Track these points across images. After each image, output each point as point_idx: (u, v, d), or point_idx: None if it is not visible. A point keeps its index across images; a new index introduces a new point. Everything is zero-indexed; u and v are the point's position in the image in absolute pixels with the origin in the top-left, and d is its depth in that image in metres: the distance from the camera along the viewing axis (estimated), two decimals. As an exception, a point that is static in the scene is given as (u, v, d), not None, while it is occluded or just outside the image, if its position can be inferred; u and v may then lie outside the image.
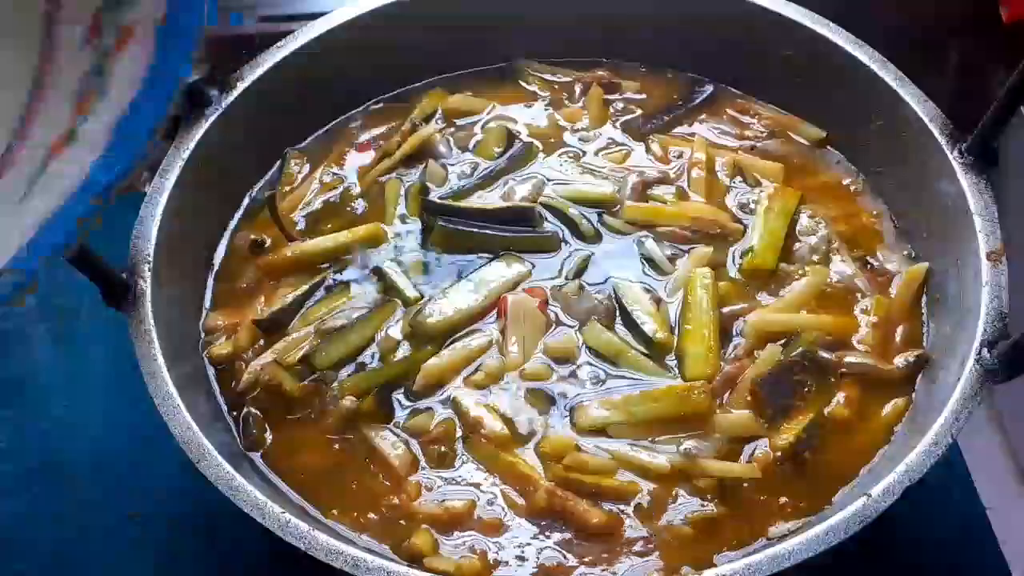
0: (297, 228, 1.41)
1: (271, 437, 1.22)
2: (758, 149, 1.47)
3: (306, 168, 1.48)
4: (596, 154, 1.47)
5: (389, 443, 1.20)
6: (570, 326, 1.29)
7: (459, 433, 1.21)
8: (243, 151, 1.41)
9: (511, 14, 1.53)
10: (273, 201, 1.39)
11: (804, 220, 1.38)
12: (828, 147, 1.48)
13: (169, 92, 0.74)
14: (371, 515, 1.16)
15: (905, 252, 1.36)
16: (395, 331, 1.29)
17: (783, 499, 1.15)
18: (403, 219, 1.40)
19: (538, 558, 1.12)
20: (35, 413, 1.52)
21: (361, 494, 1.17)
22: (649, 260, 1.34)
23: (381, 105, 1.56)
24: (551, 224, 1.39)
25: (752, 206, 1.39)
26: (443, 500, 1.16)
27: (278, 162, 1.48)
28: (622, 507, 1.15)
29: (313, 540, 1.02)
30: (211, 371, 1.28)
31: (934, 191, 1.30)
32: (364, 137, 1.51)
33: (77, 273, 1.14)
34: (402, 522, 1.15)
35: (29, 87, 0.76)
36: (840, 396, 1.22)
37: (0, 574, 1.37)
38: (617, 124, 1.51)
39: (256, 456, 1.21)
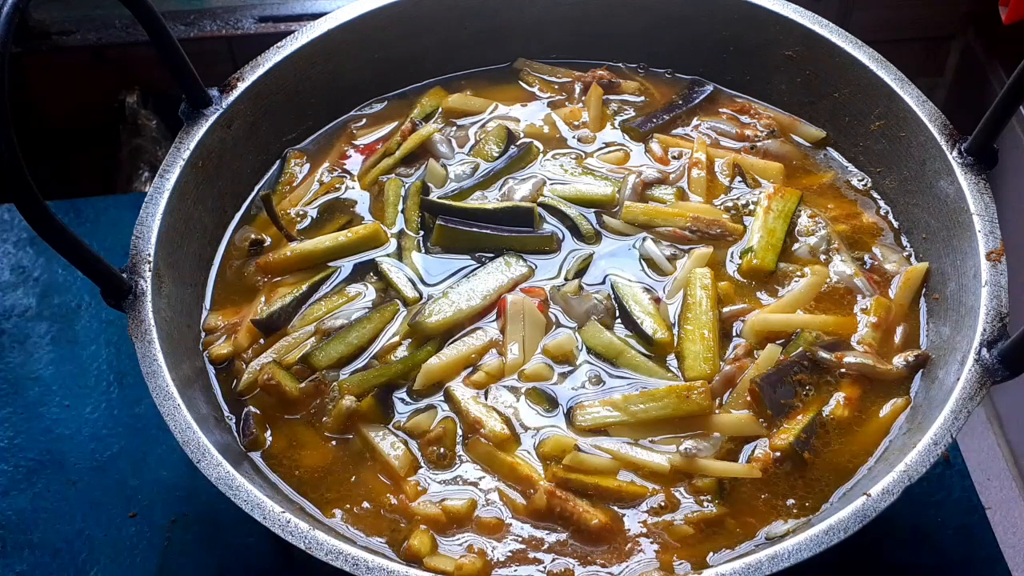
0: (297, 228, 1.41)
1: (271, 437, 1.22)
2: (758, 149, 1.47)
3: (306, 168, 1.48)
4: (596, 154, 1.47)
5: (389, 443, 1.20)
6: (570, 327, 1.29)
7: (459, 433, 1.21)
8: (243, 151, 1.41)
9: (511, 14, 1.53)
10: (270, 201, 1.39)
11: (804, 220, 1.38)
12: (828, 147, 1.48)
13: None
14: (371, 515, 1.16)
15: (905, 252, 1.37)
16: (395, 331, 1.29)
17: (783, 499, 1.15)
18: (403, 219, 1.40)
19: (538, 558, 1.12)
20: (35, 413, 1.52)
21: (361, 494, 1.17)
22: (648, 261, 1.34)
23: (382, 105, 1.56)
24: (550, 224, 1.39)
25: (752, 206, 1.39)
26: (443, 500, 1.16)
27: (278, 162, 1.48)
28: (621, 507, 1.15)
29: (313, 540, 1.02)
30: (211, 371, 1.28)
31: (934, 191, 1.30)
32: (364, 137, 1.51)
33: (77, 273, 1.14)
34: (402, 522, 1.15)
35: None
36: (839, 396, 1.22)
37: (0, 574, 1.37)
38: (617, 124, 1.51)
39: (256, 456, 1.21)
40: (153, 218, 1.25)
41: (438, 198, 1.41)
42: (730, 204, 1.41)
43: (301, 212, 1.43)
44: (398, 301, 1.31)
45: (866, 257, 1.36)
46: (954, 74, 2.62)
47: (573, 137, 1.50)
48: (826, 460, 1.18)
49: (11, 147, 0.98)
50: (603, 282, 1.33)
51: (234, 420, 1.24)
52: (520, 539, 1.13)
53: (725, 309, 1.29)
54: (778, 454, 1.17)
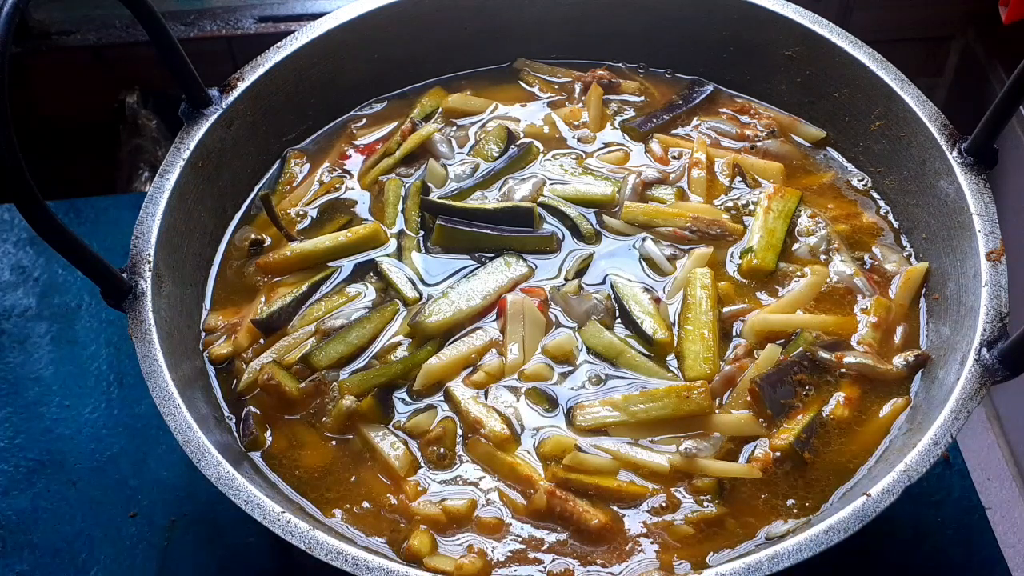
0: (297, 228, 1.41)
1: (271, 437, 1.22)
2: (758, 149, 1.47)
3: (306, 168, 1.48)
4: (596, 154, 1.47)
5: (389, 443, 1.20)
6: (570, 327, 1.29)
7: (459, 433, 1.21)
8: (243, 151, 1.41)
9: (511, 14, 1.53)
10: (269, 201, 1.39)
11: (804, 220, 1.38)
12: (828, 147, 1.48)
13: None
14: (371, 515, 1.16)
15: (905, 252, 1.37)
16: (395, 331, 1.29)
17: (783, 499, 1.15)
18: (403, 219, 1.40)
19: (538, 558, 1.12)
20: (35, 413, 1.52)
21: (361, 494, 1.17)
22: (648, 261, 1.34)
23: (382, 105, 1.56)
24: (550, 224, 1.39)
25: (752, 206, 1.39)
26: (443, 500, 1.16)
27: (278, 162, 1.48)
28: (622, 507, 1.15)
29: (313, 540, 1.02)
30: (211, 371, 1.28)
31: (934, 191, 1.30)
32: (364, 137, 1.51)
33: (77, 273, 1.14)
34: (402, 522, 1.15)
35: None
36: (839, 396, 1.22)
37: (0, 574, 1.37)
38: (617, 124, 1.51)
39: (256, 456, 1.21)
40: (153, 218, 1.25)
41: (438, 198, 1.41)
42: (730, 204, 1.41)
43: (301, 212, 1.43)
44: (398, 301, 1.31)
45: (866, 257, 1.36)
46: (954, 74, 2.62)
47: (573, 137, 1.50)
48: (826, 460, 1.18)
49: (11, 147, 0.98)
50: (603, 282, 1.33)
51: (234, 420, 1.24)
52: (520, 539, 1.13)
53: (725, 309, 1.29)
54: (778, 454, 1.17)
